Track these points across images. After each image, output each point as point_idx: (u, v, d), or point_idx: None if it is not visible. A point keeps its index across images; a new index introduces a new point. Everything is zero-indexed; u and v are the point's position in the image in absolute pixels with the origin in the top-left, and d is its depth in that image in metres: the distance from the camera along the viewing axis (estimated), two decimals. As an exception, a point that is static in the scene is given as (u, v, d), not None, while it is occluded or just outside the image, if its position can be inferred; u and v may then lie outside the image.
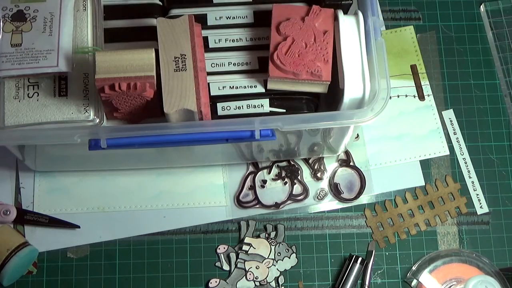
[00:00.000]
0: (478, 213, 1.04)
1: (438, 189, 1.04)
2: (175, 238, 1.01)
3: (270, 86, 0.83)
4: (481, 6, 1.12)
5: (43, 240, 0.99)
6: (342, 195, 1.03)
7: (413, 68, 1.09)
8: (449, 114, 1.07)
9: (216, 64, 0.88)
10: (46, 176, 1.02)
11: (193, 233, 1.01)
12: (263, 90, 0.86)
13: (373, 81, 0.81)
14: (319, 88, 0.84)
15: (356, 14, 0.84)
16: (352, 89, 0.81)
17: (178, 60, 0.80)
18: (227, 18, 0.90)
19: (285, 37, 0.83)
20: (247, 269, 0.99)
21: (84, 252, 1.00)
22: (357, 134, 1.04)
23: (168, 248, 1.00)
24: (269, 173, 1.03)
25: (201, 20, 0.89)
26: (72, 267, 0.99)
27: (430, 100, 1.08)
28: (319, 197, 1.02)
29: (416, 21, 1.12)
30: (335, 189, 1.03)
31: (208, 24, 0.90)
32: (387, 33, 1.10)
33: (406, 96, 1.08)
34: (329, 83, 0.83)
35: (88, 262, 1.00)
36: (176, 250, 1.01)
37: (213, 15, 0.90)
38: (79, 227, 1.00)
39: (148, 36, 0.89)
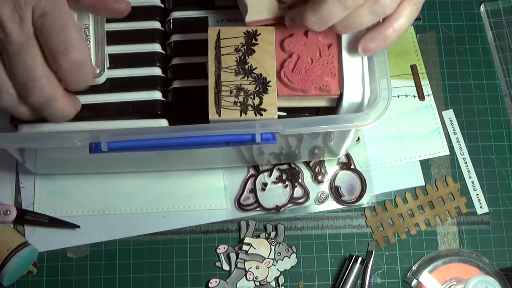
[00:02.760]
0: (478, 213, 1.04)
1: (438, 189, 1.04)
2: (175, 238, 1.01)
3: (278, 104, 0.81)
4: (481, 6, 1.11)
5: (43, 240, 0.99)
6: (342, 198, 1.03)
7: (413, 68, 1.09)
8: (449, 114, 1.07)
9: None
10: (46, 178, 1.02)
11: (193, 233, 1.01)
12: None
13: (374, 85, 0.81)
14: (327, 102, 0.83)
15: None
16: (351, 94, 0.81)
17: None
18: (228, 21, 0.89)
19: (290, 54, 0.82)
20: (247, 269, 0.99)
21: (84, 252, 1.00)
22: (358, 137, 1.04)
23: (168, 248, 1.01)
24: (270, 176, 1.03)
25: (202, 22, 0.89)
26: (72, 267, 0.99)
27: (430, 100, 1.08)
28: (319, 200, 1.02)
29: (416, 21, 1.09)
30: (335, 192, 1.03)
31: (210, 26, 0.89)
32: (387, 33, 1.10)
33: (406, 96, 1.08)
34: (337, 96, 0.82)
35: (88, 262, 1.00)
36: (176, 250, 1.01)
37: (215, 17, 0.90)
38: (79, 227, 1.00)
39: (150, 39, 0.89)
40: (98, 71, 0.82)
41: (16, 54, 0.68)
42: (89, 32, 0.82)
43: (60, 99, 0.72)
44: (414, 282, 0.99)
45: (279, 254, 1.00)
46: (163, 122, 0.86)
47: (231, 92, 0.80)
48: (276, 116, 0.80)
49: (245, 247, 1.00)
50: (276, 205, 1.02)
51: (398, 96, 1.08)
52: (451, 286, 0.98)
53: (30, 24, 0.68)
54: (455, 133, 1.06)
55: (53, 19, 0.68)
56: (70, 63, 0.69)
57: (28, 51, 0.68)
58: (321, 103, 0.84)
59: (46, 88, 0.70)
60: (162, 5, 0.91)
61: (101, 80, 0.84)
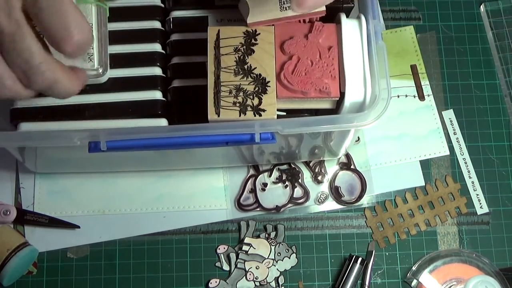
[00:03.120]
0: (478, 213, 1.04)
1: (438, 189, 1.04)
2: (175, 238, 1.01)
3: (278, 106, 0.81)
4: (481, 6, 1.12)
5: (43, 240, 0.99)
6: (342, 198, 1.03)
7: (413, 68, 1.09)
8: (449, 114, 1.07)
9: (217, 66, 0.88)
10: (46, 178, 1.02)
11: (193, 233, 1.01)
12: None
13: (374, 85, 0.81)
14: (327, 104, 0.83)
15: (358, 18, 0.84)
16: (353, 93, 0.81)
17: None
18: (228, 21, 0.89)
19: (290, 56, 0.82)
20: (247, 269, 0.99)
21: (84, 252, 1.00)
22: (358, 137, 1.04)
23: (168, 248, 1.01)
24: (270, 176, 1.03)
25: (202, 22, 0.89)
26: (72, 267, 0.99)
27: (430, 100, 1.08)
28: (319, 200, 1.02)
29: (416, 21, 1.11)
30: (335, 192, 1.03)
31: (209, 26, 0.89)
32: (387, 33, 1.10)
33: (406, 96, 1.08)
34: (337, 99, 0.82)
35: (88, 262, 1.00)
36: (176, 250, 1.01)
37: (214, 17, 0.89)
38: (79, 227, 1.00)
39: (150, 39, 0.89)
40: (101, 71, 0.82)
41: (11, 44, 0.66)
42: (92, 31, 0.81)
43: (63, 79, 0.69)
44: (414, 282, 0.99)
45: (279, 254, 1.00)
46: (163, 122, 0.86)
47: (230, 92, 0.80)
48: (276, 117, 0.79)
49: (245, 247, 1.00)
50: (276, 205, 1.02)
51: (398, 96, 1.08)
52: (451, 286, 0.98)
53: (19, 10, 0.66)
54: (455, 133, 1.06)
55: (48, 6, 0.66)
56: (73, 46, 0.67)
57: (21, 41, 0.66)
58: (321, 105, 0.84)
59: (47, 74, 0.68)
60: (162, 5, 0.91)
61: (103, 79, 0.84)
